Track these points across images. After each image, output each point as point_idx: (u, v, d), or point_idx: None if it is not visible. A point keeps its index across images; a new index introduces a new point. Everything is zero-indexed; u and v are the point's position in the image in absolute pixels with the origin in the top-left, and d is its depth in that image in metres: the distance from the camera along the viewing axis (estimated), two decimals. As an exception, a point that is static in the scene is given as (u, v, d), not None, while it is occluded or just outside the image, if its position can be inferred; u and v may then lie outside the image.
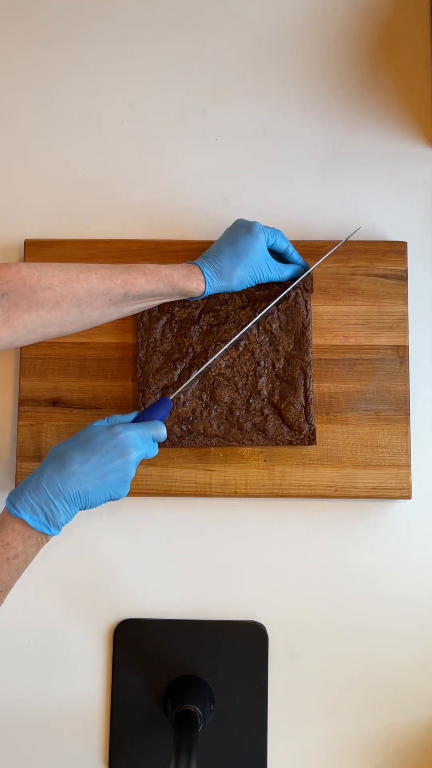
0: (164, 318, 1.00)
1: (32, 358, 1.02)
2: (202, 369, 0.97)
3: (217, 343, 0.99)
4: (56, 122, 1.08)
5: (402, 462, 0.99)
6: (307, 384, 0.98)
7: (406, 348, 1.00)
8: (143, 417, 0.89)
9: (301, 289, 0.99)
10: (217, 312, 1.00)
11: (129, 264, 0.90)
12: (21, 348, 1.02)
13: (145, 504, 1.02)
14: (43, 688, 1.00)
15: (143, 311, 0.99)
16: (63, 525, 0.81)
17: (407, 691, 1.00)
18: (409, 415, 0.99)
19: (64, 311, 0.87)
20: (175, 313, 1.00)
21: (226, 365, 0.99)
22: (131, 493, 0.99)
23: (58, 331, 0.88)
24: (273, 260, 0.96)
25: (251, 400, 0.98)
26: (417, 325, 1.03)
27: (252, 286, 0.98)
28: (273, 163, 1.07)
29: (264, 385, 0.99)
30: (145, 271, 0.89)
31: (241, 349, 0.99)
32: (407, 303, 1.01)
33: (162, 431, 0.88)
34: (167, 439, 0.98)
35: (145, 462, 0.99)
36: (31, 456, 1.00)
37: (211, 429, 0.98)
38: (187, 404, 0.98)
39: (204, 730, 0.96)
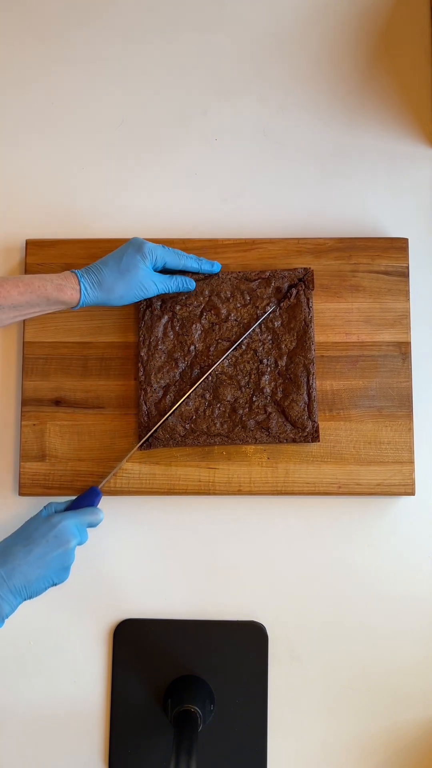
0: (166, 316, 1.00)
1: (35, 358, 1.01)
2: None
3: (219, 341, 0.99)
4: (56, 122, 1.08)
5: (405, 458, 0.99)
6: (310, 381, 0.98)
7: (408, 344, 1.01)
8: (75, 505, 0.93)
9: (302, 286, 1.00)
10: (218, 310, 1.00)
11: (3, 276, 0.92)
12: (24, 348, 1.01)
13: (148, 503, 1.01)
14: (43, 688, 0.99)
15: (144, 310, 1.00)
16: (6, 617, 0.85)
17: (407, 691, 0.99)
18: (412, 411, 1.00)
19: None
20: (176, 312, 1.00)
21: (228, 364, 0.99)
22: (134, 492, 0.99)
23: None
24: (159, 276, 0.96)
25: (254, 398, 0.98)
26: (419, 321, 1.03)
27: (170, 292, 0.98)
28: (273, 163, 1.07)
29: (267, 383, 0.99)
30: (18, 284, 0.89)
31: (243, 347, 0.99)
32: (409, 299, 1.01)
33: (99, 515, 0.92)
34: (171, 438, 0.98)
35: (149, 461, 0.99)
36: (34, 456, 0.99)
37: (215, 428, 0.98)
38: (191, 403, 0.98)
39: (204, 730, 0.96)
